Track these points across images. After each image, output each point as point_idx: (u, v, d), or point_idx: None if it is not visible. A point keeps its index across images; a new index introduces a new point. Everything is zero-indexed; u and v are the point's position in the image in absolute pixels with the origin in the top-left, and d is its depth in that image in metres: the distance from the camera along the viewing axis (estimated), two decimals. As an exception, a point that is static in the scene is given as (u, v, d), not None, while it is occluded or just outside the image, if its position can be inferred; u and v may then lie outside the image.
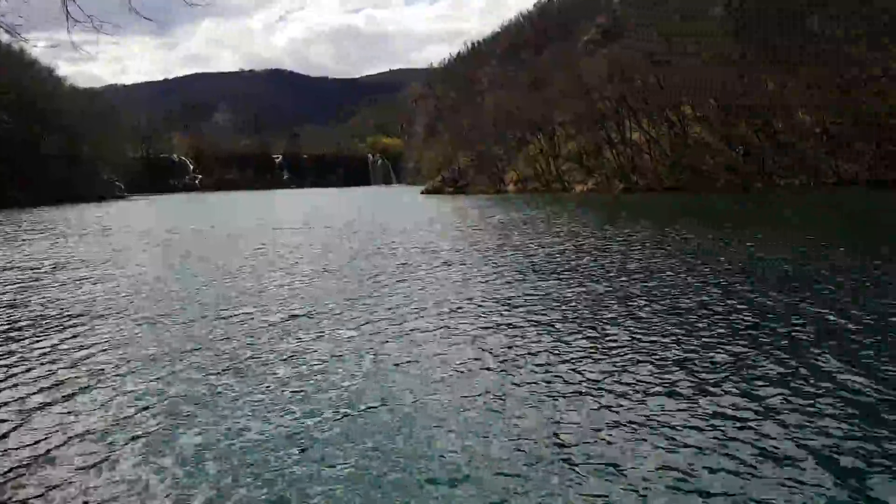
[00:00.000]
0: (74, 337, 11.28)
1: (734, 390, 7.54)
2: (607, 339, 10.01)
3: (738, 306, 11.72)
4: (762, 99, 57.12)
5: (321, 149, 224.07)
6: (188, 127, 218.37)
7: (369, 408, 7.56)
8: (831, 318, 10.61)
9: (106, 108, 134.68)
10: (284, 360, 9.64)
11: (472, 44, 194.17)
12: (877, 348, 8.90)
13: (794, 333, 9.80)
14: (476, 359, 9.26)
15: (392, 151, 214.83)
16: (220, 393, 8.21)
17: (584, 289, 14.07)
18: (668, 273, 15.54)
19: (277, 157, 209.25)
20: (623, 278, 15.12)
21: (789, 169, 55.53)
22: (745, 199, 42.37)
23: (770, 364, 8.38)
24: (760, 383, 7.72)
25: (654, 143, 64.34)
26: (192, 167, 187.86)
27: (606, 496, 5.39)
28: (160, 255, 23.84)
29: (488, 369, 8.79)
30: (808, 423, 6.54)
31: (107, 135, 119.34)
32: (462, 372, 8.72)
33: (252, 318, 12.32)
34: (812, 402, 7.09)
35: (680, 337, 9.91)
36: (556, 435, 6.59)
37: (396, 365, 9.11)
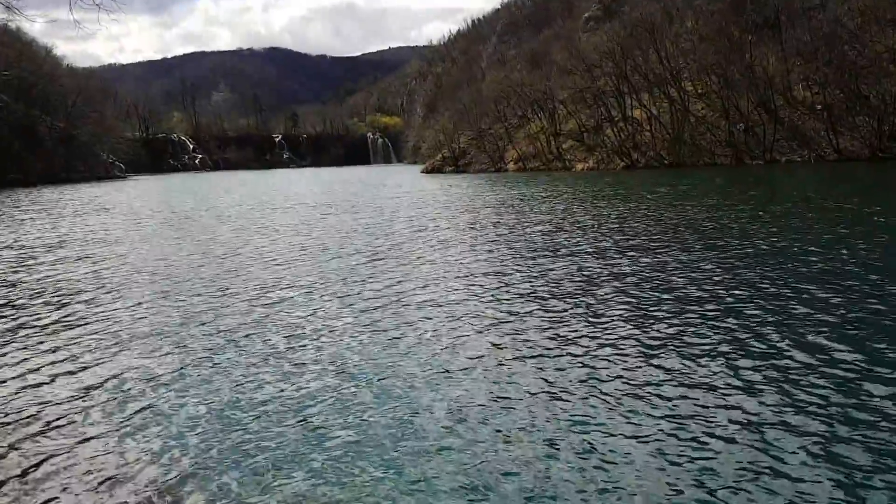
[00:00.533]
0: (72, 314, 11.38)
1: (729, 363, 7.65)
2: (600, 313, 10.10)
3: (736, 282, 11.80)
4: (763, 75, 56.76)
5: (320, 128, 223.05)
6: (187, 106, 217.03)
7: (365, 378, 7.70)
8: (818, 291, 10.70)
9: (104, 87, 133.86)
10: (283, 333, 9.76)
11: (472, 21, 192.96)
12: (872, 322, 8.99)
13: (793, 307, 9.90)
14: (471, 331, 9.41)
15: (392, 130, 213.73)
16: (218, 364, 8.36)
17: (576, 266, 14.17)
18: (664, 249, 15.62)
19: (277, 137, 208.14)
20: (621, 255, 15.20)
21: (790, 145, 55.33)
22: (746, 176, 42.28)
23: (764, 340, 8.49)
24: (744, 355, 7.84)
25: (654, 119, 64.03)
26: (191, 147, 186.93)
27: (589, 469, 5.50)
28: (159, 233, 23.87)
29: (482, 341, 8.93)
30: (792, 397, 6.65)
31: (105, 114, 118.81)
32: (458, 344, 8.86)
33: (251, 293, 12.43)
34: (797, 375, 7.20)
35: (671, 312, 10.00)
36: (544, 401, 6.71)
37: (393, 339, 9.25)
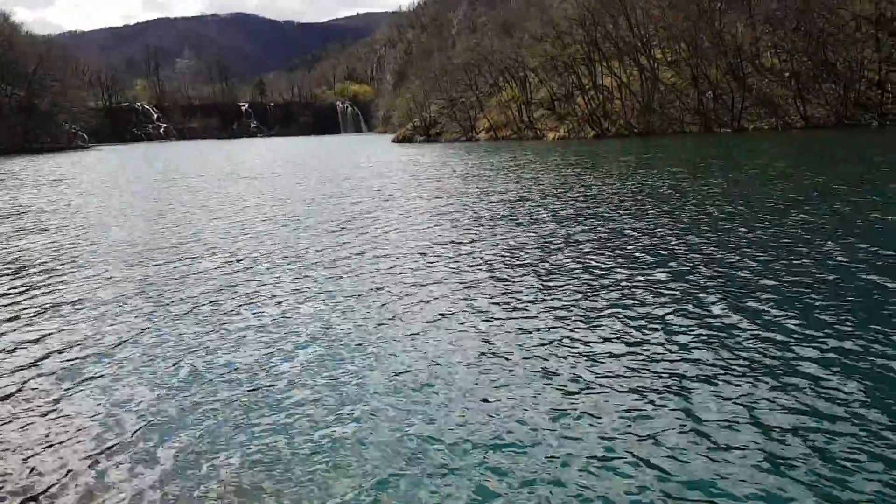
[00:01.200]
0: (28, 283, 11.05)
1: (692, 329, 7.65)
2: (551, 278, 10.07)
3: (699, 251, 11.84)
4: (732, 42, 56.94)
5: (288, 96, 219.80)
6: (150, 75, 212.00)
7: (331, 344, 7.67)
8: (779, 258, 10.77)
9: (65, 55, 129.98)
10: (240, 301, 9.70)
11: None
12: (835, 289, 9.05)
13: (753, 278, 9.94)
14: (429, 296, 9.36)
15: (362, 98, 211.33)
16: (173, 332, 8.20)
17: (536, 233, 14.14)
18: (621, 217, 15.64)
19: (243, 105, 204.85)
20: (580, 223, 15.18)
21: (758, 112, 55.78)
22: (713, 144, 42.54)
23: (703, 304, 8.51)
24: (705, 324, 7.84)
25: (624, 87, 64.03)
26: (155, 116, 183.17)
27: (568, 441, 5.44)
28: (120, 204, 23.32)
29: (438, 305, 8.92)
30: (712, 353, 6.66)
31: (66, 83, 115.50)
32: (415, 309, 8.85)
33: (211, 262, 12.17)
34: (724, 335, 7.21)
35: (619, 278, 10.00)
36: (491, 363, 6.64)
37: (353, 305, 9.17)
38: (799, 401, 5.79)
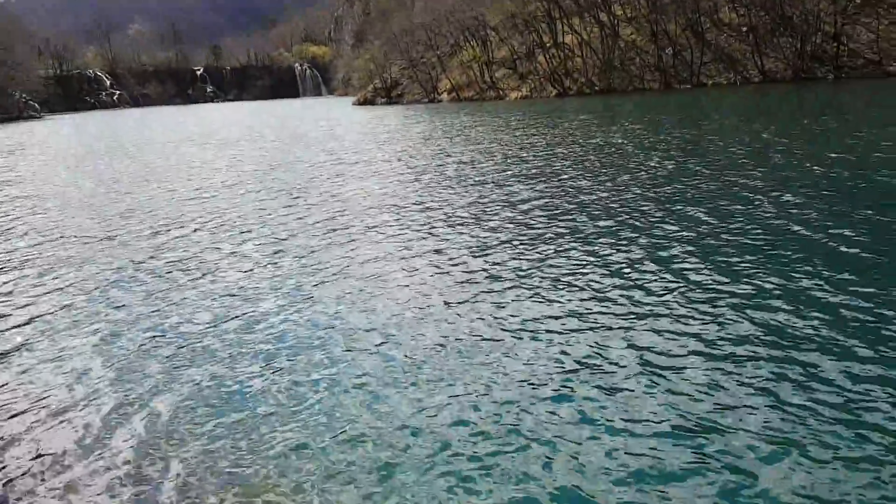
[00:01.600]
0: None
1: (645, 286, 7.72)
2: (492, 236, 10.10)
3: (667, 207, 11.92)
4: (691, -3, 56.85)
5: (245, 60, 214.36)
6: (102, 41, 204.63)
7: (289, 305, 7.68)
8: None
9: (12, 23, 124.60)
10: (185, 266, 9.68)
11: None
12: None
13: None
14: (380, 253, 9.37)
15: (321, 61, 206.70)
16: (136, 301, 8.02)
17: (479, 194, 14.17)
18: (567, 176, 15.70)
19: (199, 70, 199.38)
20: (525, 182, 15.20)
21: (716, 68, 56.04)
22: (671, 101, 42.74)
23: (634, 258, 8.60)
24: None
25: (585, 45, 63.68)
26: (108, 83, 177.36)
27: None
28: (67, 173, 22.67)
29: (393, 265, 8.99)
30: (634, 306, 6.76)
31: (15, 52, 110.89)
32: (367, 270, 8.87)
33: (162, 229, 11.92)
34: (647, 285, 7.31)
35: (556, 234, 10.05)
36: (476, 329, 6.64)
37: (306, 266, 9.17)
38: (759, 337, 5.90)
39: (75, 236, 12.45)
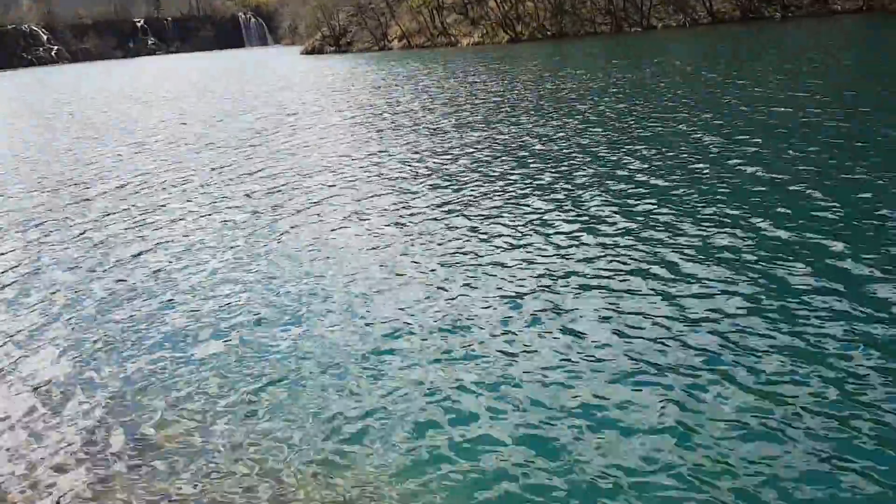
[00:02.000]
0: None
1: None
2: (440, 185, 10.07)
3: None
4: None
5: (186, 9, 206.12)
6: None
7: (234, 259, 7.72)
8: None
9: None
10: (141, 223, 9.58)
11: None
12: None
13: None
14: (326, 207, 9.29)
15: (265, 8, 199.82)
16: (78, 259, 7.81)
17: (442, 142, 14.06)
18: (537, 119, 15.66)
19: (139, 22, 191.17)
20: (472, 129, 15.11)
21: (666, 10, 55.97)
22: (620, 45, 42.68)
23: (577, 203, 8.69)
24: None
25: (536, -12, 62.80)
26: (45, 38, 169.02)
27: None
28: (8, 135, 21.79)
29: (335, 217, 9.02)
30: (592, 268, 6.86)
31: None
32: (309, 222, 8.90)
33: (113, 187, 11.58)
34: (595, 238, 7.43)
35: (499, 180, 10.07)
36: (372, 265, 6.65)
37: (248, 224, 9.07)
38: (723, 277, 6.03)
39: (11, 197, 12.02)
